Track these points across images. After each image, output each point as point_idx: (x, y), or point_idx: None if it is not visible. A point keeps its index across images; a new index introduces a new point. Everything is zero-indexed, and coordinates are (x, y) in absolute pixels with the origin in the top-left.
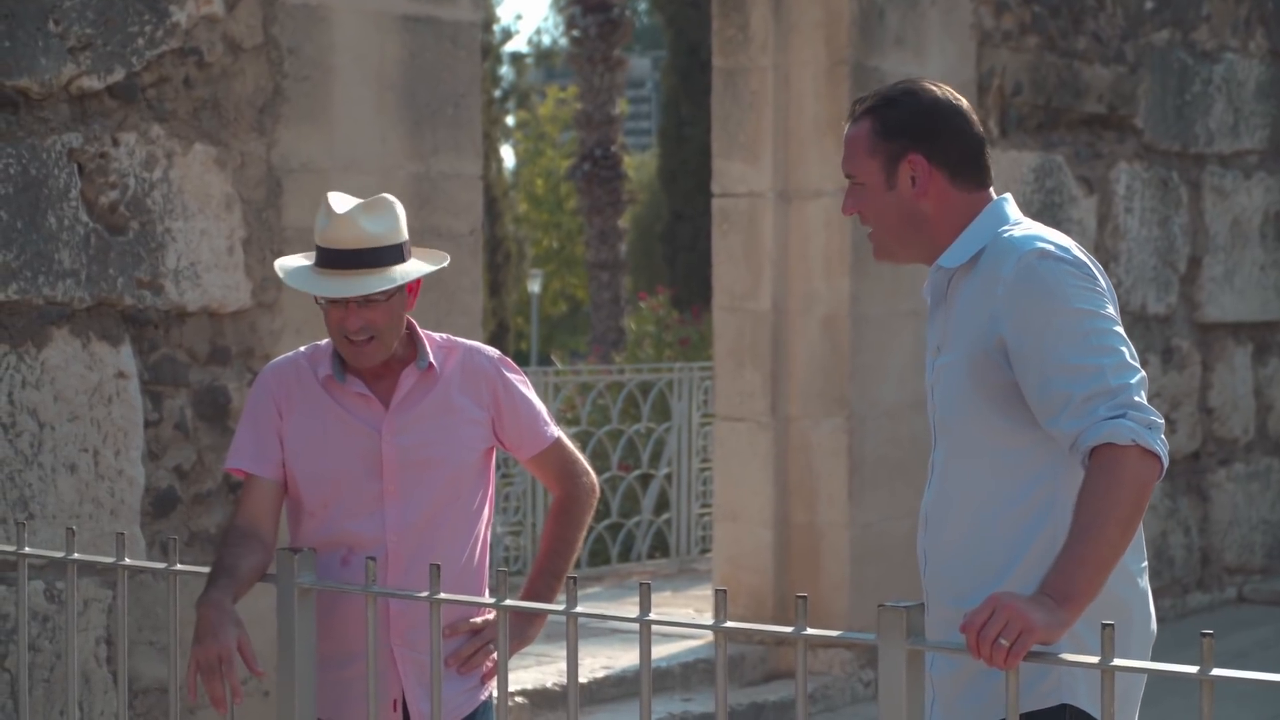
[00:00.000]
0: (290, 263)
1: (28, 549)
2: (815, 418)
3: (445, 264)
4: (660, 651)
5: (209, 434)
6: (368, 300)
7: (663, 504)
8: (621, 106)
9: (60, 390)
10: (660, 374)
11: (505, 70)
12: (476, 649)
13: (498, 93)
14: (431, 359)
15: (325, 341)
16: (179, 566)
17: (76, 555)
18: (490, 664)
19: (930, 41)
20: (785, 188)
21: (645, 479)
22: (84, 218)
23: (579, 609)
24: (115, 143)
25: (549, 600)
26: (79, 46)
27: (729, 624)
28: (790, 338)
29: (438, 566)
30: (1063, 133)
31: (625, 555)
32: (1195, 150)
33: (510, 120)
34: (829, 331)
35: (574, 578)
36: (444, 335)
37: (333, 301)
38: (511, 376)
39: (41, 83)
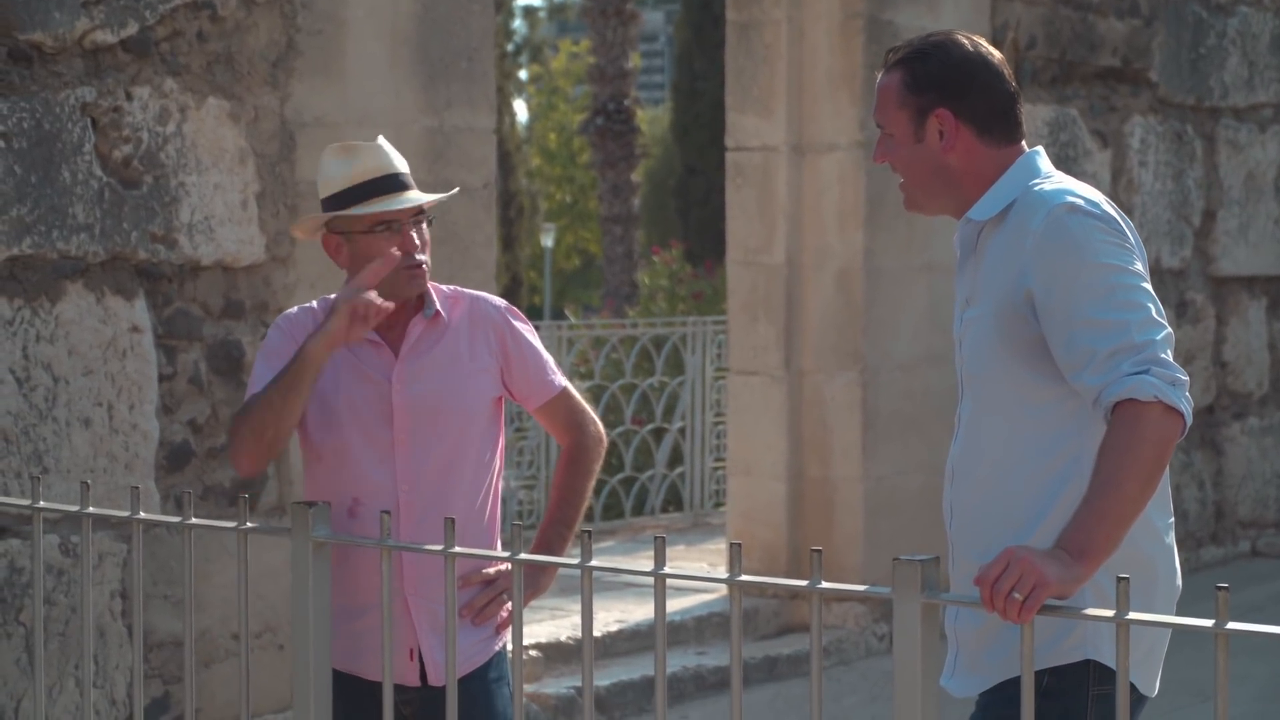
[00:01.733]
0: (312, 220)
1: (43, 503)
2: (829, 371)
3: (455, 191)
4: (674, 605)
5: (223, 388)
6: (417, 221)
7: (676, 458)
8: (634, 60)
9: (74, 344)
10: (674, 328)
11: (518, 24)
12: (490, 599)
13: (511, 47)
14: (439, 307)
15: (335, 295)
16: (193, 520)
17: (91, 509)
18: (505, 614)
19: None
20: (799, 141)
21: (659, 433)
22: (98, 172)
23: (594, 563)
24: (129, 97)
25: (561, 549)
26: (92, 0)
27: (744, 577)
28: (804, 291)
29: (452, 520)
30: (1077, 86)
31: (639, 509)
32: (1210, 104)
33: (523, 74)
34: (843, 285)
35: (588, 531)
36: (452, 286)
37: (387, 230)
38: (519, 325)
39: (55, 37)
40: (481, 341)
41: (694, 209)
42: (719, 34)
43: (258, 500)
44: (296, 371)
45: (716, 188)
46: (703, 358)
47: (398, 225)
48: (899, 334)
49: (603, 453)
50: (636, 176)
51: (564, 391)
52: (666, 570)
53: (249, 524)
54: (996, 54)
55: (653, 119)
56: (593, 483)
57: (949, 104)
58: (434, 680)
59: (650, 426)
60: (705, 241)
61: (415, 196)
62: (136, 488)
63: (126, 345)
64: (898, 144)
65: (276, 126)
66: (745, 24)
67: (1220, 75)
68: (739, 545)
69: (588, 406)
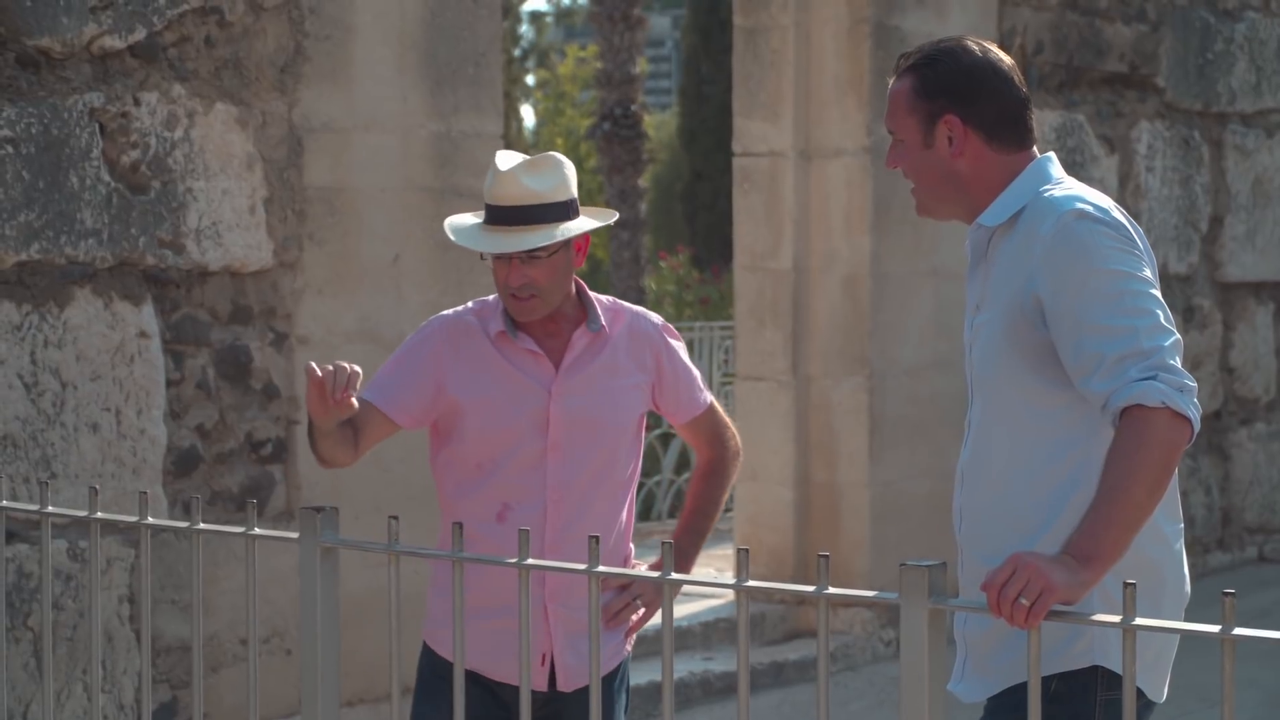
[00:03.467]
0: (460, 220)
1: (50, 508)
2: (836, 377)
3: (612, 220)
4: (681, 611)
5: (231, 393)
6: (530, 256)
7: (683, 463)
8: (641, 65)
9: (82, 349)
10: (680, 333)
11: (525, 29)
12: (625, 604)
13: (518, 51)
14: (603, 321)
15: (493, 298)
16: (201, 525)
17: (99, 514)
18: (635, 618)
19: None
20: (806, 147)
21: (665, 438)
22: (106, 177)
23: (601, 568)
24: (137, 102)
25: (694, 558)
26: (100, 6)
27: (750, 583)
28: (811, 297)
29: (596, 539)
30: (1084, 91)
31: (646, 514)
32: (1217, 109)
33: (530, 79)
34: (849, 290)
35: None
36: (610, 298)
37: (497, 257)
38: (674, 344)
39: (63, 42)
40: (638, 358)
41: (701, 214)
42: (726, 39)
43: (266, 505)
44: (312, 428)
45: (724, 193)
46: (710, 363)
47: (506, 256)
48: (906, 339)
49: (739, 466)
50: (643, 181)
51: (710, 407)
52: (674, 576)
53: (257, 529)
54: (1007, 60)
55: (660, 124)
56: (727, 495)
57: (957, 110)
58: (563, 686)
59: (657, 431)
60: (712, 247)
61: (519, 240)
62: (144, 493)
63: (134, 350)
64: (908, 150)
65: (284, 132)
66: (752, 29)
67: (1228, 81)
68: (746, 551)
69: (729, 421)
